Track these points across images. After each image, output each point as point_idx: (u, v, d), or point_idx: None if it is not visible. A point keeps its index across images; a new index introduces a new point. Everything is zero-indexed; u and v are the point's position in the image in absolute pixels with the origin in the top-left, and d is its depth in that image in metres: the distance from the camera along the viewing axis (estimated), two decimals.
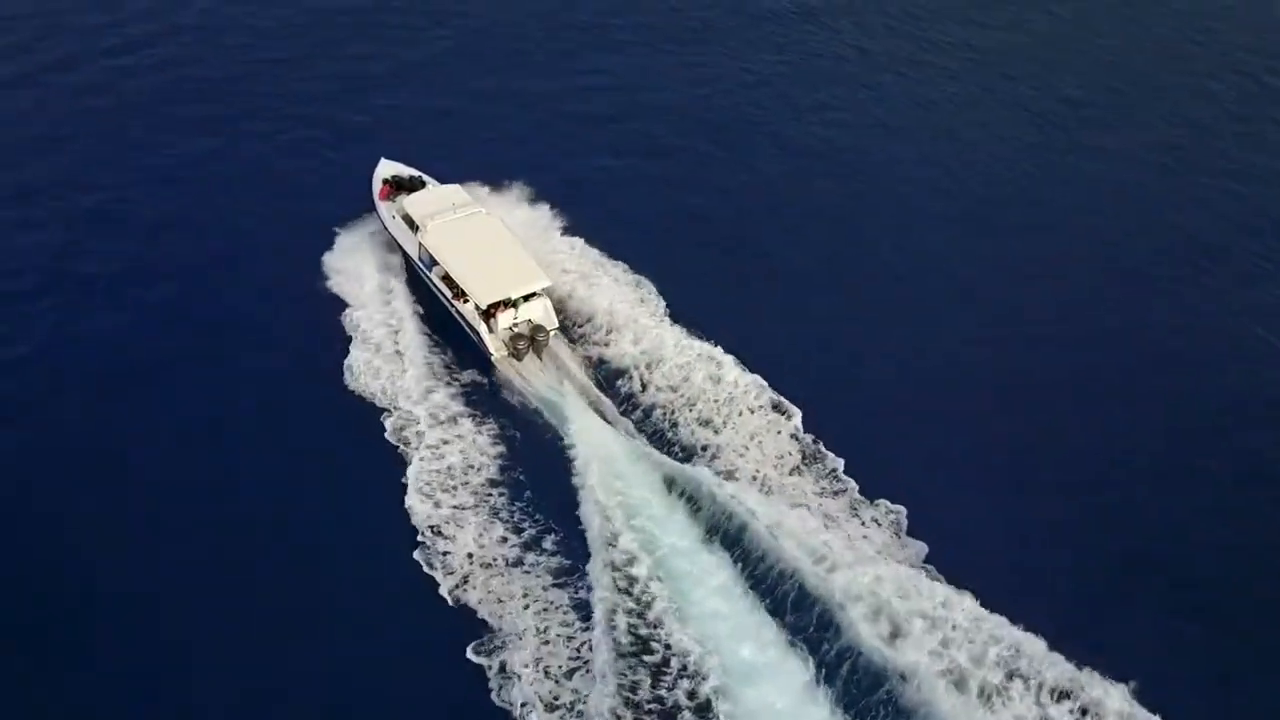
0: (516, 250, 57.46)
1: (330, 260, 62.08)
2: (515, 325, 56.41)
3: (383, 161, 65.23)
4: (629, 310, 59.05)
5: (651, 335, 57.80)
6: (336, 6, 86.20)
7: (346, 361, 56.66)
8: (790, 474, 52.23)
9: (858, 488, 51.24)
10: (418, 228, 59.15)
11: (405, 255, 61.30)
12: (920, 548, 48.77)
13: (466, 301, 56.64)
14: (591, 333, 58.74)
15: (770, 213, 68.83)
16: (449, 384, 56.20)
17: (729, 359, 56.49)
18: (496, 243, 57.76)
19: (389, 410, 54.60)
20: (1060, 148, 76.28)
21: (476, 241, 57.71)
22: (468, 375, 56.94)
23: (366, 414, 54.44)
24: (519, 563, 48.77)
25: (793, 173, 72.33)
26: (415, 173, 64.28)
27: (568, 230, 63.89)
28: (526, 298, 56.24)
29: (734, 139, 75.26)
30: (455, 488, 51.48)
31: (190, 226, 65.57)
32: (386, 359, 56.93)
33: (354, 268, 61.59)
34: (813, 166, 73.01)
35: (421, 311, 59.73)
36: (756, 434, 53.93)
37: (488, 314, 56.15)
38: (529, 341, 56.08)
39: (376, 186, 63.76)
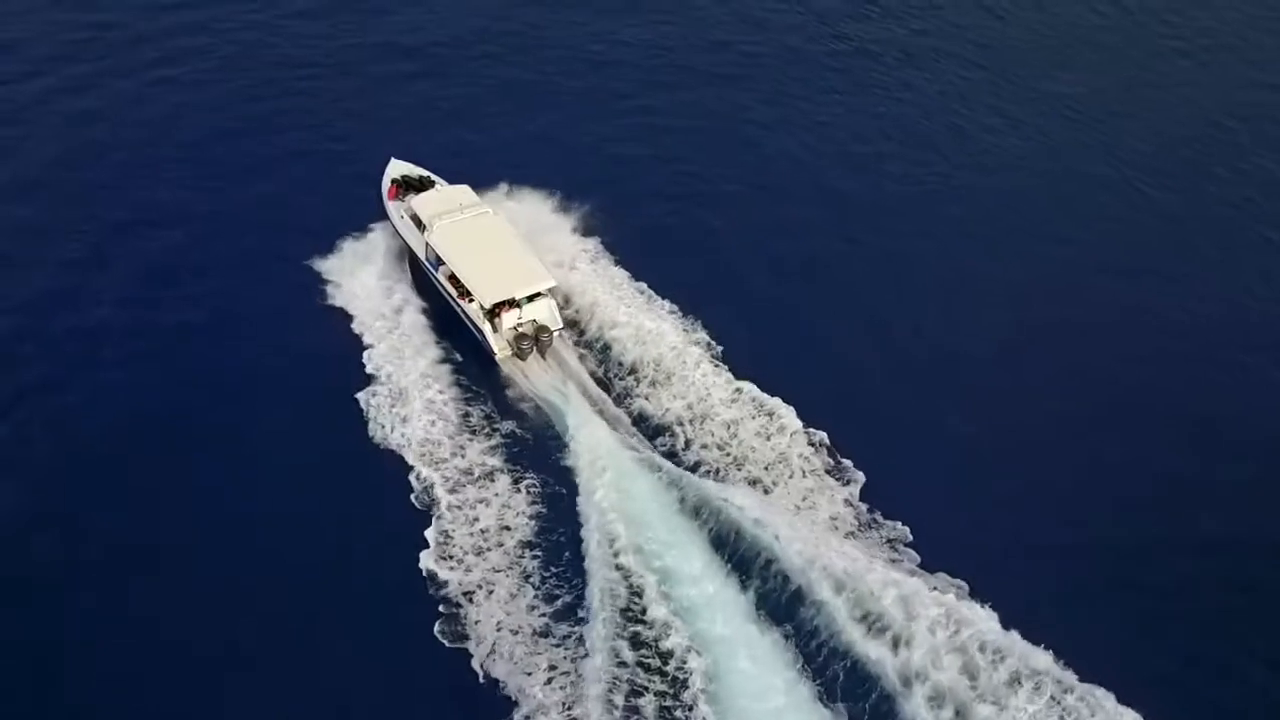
0: (522, 251, 56.86)
1: (351, 292, 59.54)
2: (519, 325, 55.63)
3: (393, 161, 64.23)
4: (675, 358, 55.97)
5: (698, 387, 54.77)
6: (388, 44, 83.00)
7: (369, 412, 53.58)
8: (845, 538, 48.62)
9: (919, 560, 47.86)
10: (425, 227, 58.14)
11: (412, 254, 60.26)
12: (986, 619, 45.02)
13: (472, 301, 55.89)
14: (634, 385, 55.54)
15: (829, 254, 65.17)
16: (488, 435, 52.96)
17: (788, 411, 53.45)
18: (502, 243, 57.07)
19: (417, 466, 51.14)
20: (1128, 203, 72.47)
21: (482, 242, 56.95)
22: (506, 426, 53.59)
23: (393, 469, 51.14)
24: (547, 633, 45.44)
25: (852, 214, 68.66)
26: (424, 173, 63.40)
27: (617, 264, 61.56)
28: (531, 298, 55.53)
29: (789, 177, 71.30)
30: (487, 550, 47.94)
31: (197, 257, 62.64)
32: (413, 407, 53.53)
33: (375, 302, 59.05)
34: (872, 209, 69.15)
35: (459, 359, 56.62)
36: (809, 495, 50.37)
37: (492, 314, 55.36)
38: (533, 341, 55.33)
39: (385, 186, 62.73)
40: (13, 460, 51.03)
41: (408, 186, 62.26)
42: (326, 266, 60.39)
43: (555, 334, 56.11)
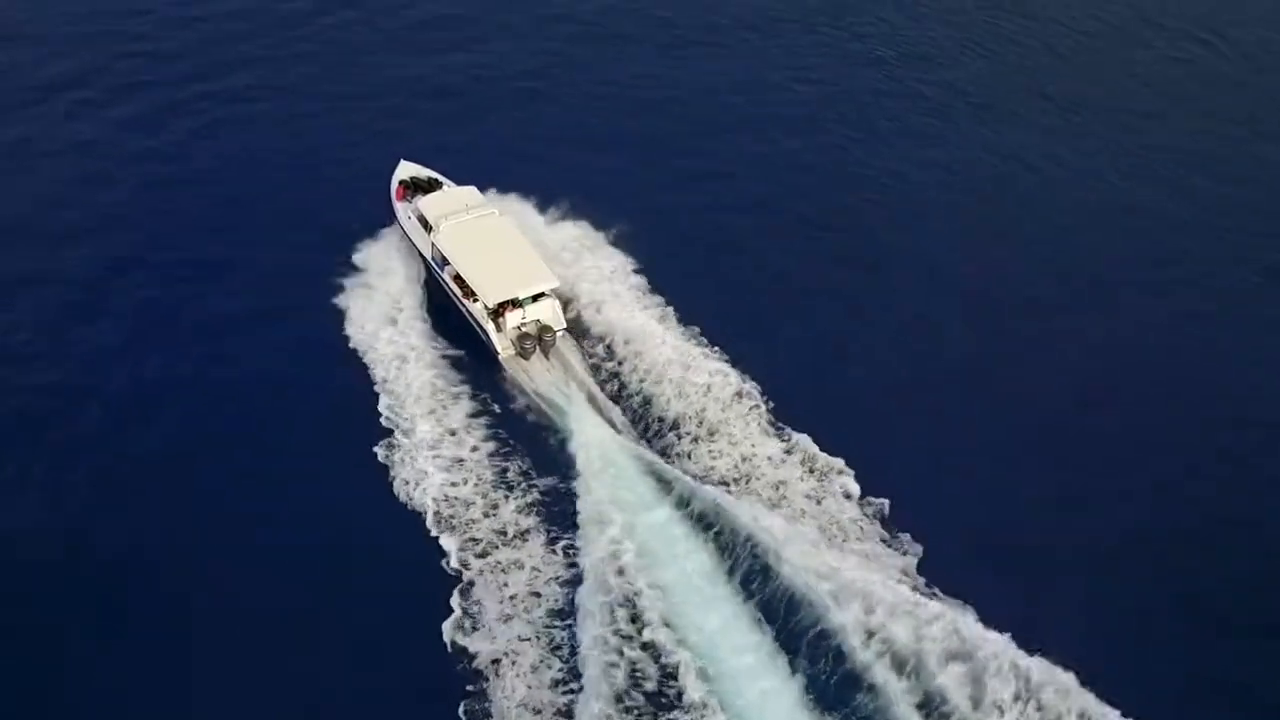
0: (527, 251, 57.66)
1: (370, 335, 57.08)
2: (523, 325, 56.03)
3: (402, 163, 64.94)
4: (719, 411, 52.93)
5: (743, 444, 51.61)
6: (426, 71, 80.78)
7: (393, 470, 50.44)
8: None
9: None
10: (431, 228, 58.85)
11: (420, 255, 60.55)
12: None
13: (476, 301, 56.38)
14: (675, 442, 51.99)
15: (893, 309, 61.49)
16: (525, 491, 49.64)
17: (848, 474, 50.07)
18: (507, 244, 57.86)
19: (442, 528, 47.88)
20: (1216, 261, 67.29)
21: (488, 242, 57.66)
22: (546, 482, 50.15)
23: (418, 531, 47.94)
24: (570, 713, 42.05)
25: (918, 266, 64.30)
26: (432, 174, 64.25)
27: (666, 304, 58.83)
28: (535, 298, 56.19)
29: (849, 227, 67.51)
30: (511, 617, 44.53)
31: (204, 297, 60.33)
32: (441, 463, 50.41)
33: (398, 346, 56.38)
34: (938, 262, 64.67)
35: (497, 410, 53.57)
36: (863, 560, 46.69)
37: (496, 313, 55.82)
38: (536, 341, 55.61)
39: (393, 187, 63.45)
40: (12, 501, 49.30)
41: (416, 188, 62.61)
42: (344, 302, 58.58)
43: (558, 334, 56.15)
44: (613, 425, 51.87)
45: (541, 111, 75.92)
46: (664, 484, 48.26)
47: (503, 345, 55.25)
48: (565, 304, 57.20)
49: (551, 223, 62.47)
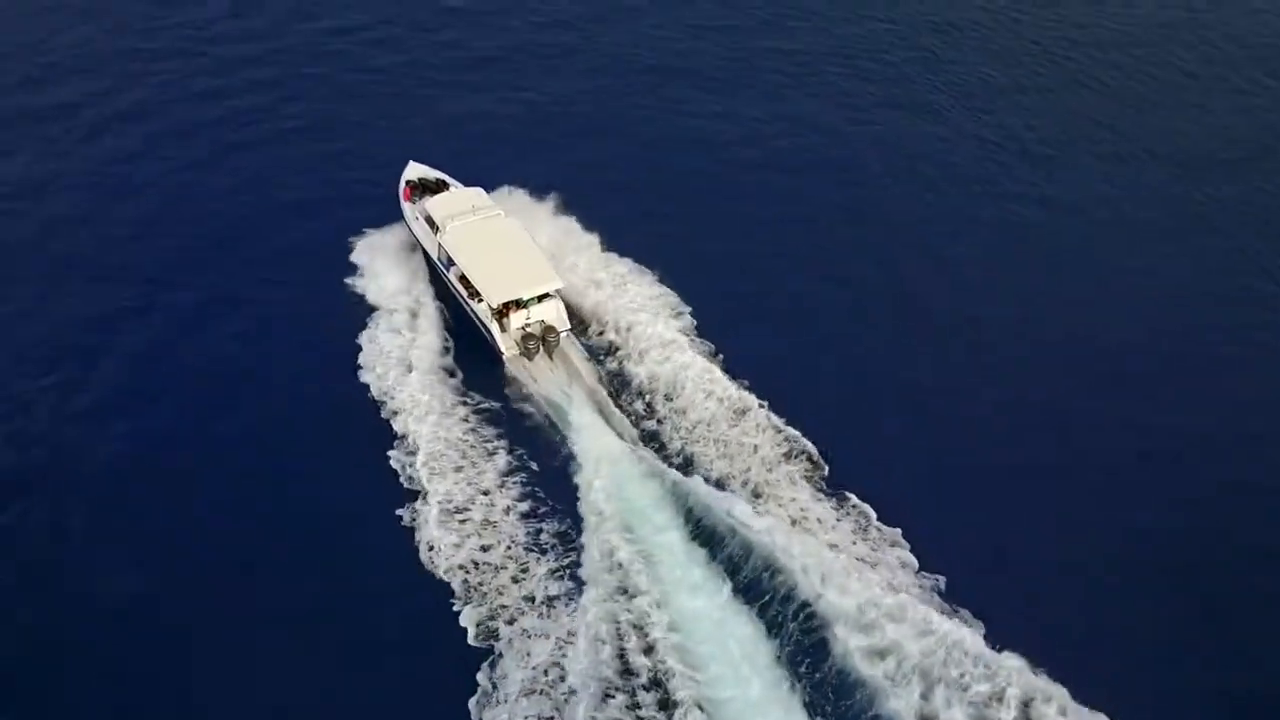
0: (531, 252, 57.97)
1: (392, 384, 54.54)
2: (527, 325, 56.31)
3: (410, 164, 65.42)
4: (765, 472, 50.06)
5: (793, 508, 48.33)
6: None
7: (419, 532, 47.57)
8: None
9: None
10: (438, 228, 59.23)
11: (426, 255, 61.29)
12: None
13: (481, 301, 56.71)
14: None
15: (953, 371, 57.93)
16: (559, 556, 46.58)
17: (897, 546, 46.68)
18: (513, 244, 58.11)
19: (475, 598, 44.94)
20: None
21: (493, 243, 58.03)
22: (583, 540, 47.34)
23: (443, 598, 45.18)
24: None
25: (974, 324, 61.13)
26: (440, 175, 65.00)
27: (714, 354, 56.06)
28: (540, 299, 56.61)
29: (902, 266, 64.73)
30: (535, 693, 41.24)
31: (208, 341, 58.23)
32: (463, 530, 47.46)
33: (427, 396, 53.60)
34: (992, 321, 61.19)
35: (534, 467, 50.59)
36: (920, 635, 43.03)
37: (500, 313, 56.14)
38: (539, 342, 55.91)
39: (401, 188, 63.92)
40: (16, 510, 48.70)
41: (423, 189, 63.29)
42: (363, 341, 56.54)
43: (562, 335, 56.44)
44: (616, 431, 50.94)
45: (583, 141, 73.90)
46: (703, 536, 45.76)
47: (507, 345, 55.44)
48: (607, 351, 55.93)
49: (604, 251, 60.70)
